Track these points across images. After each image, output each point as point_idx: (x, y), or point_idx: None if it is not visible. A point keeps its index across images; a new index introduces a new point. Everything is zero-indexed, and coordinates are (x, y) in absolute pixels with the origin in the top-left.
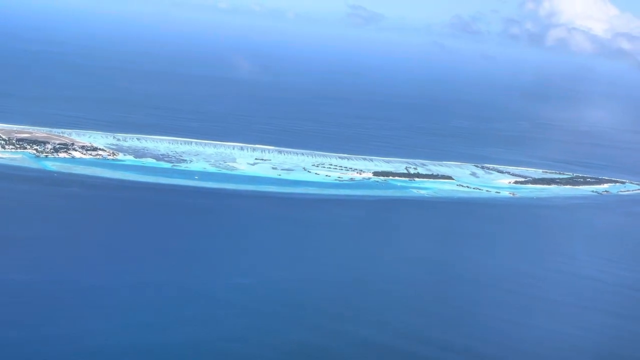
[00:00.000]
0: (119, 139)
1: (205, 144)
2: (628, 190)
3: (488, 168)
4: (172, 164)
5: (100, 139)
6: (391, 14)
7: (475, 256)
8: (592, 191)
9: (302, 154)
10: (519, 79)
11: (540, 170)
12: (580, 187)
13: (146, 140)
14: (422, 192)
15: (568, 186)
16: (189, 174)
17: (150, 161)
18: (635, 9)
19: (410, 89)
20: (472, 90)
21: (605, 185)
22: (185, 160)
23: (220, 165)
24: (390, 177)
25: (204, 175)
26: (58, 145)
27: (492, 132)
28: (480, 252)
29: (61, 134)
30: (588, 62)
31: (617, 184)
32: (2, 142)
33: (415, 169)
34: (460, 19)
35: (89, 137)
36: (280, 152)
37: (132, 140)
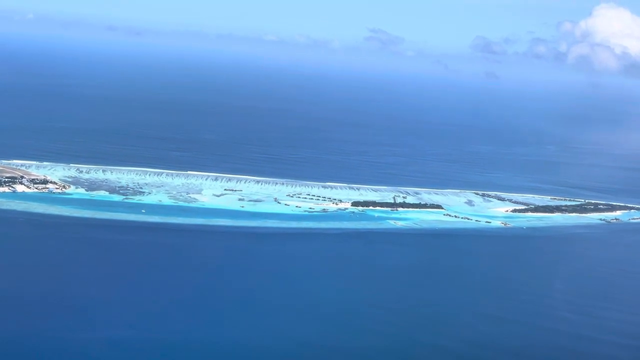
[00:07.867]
0: (81, 171)
1: (177, 175)
2: None
3: (489, 195)
4: (124, 197)
5: (60, 172)
6: (412, 38)
7: (388, 297)
8: (600, 219)
9: (282, 184)
10: (539, 101)
11: (549, 197)
12: (588, 214)
13: (112, 172)
14: (400, 223)
15: (574, 214)
16: (137, 208)
17: (101, 194)
18: None
19: (428, 114)
20: (493, 112)
21: (618, 213)
22: (144, 192)
23: (180, 198)
24: (370, 207)
25: (155, 208)
26: (6, 179)
27: (511, 157)
28: (399, 294)
29: (17, 167)
30: (615, 80)
31: (632, 210)
32: None
33: (404, 197)
34: (483, 39)
35: (49, 169)
36: (258, 182)
37: (96, 172)
